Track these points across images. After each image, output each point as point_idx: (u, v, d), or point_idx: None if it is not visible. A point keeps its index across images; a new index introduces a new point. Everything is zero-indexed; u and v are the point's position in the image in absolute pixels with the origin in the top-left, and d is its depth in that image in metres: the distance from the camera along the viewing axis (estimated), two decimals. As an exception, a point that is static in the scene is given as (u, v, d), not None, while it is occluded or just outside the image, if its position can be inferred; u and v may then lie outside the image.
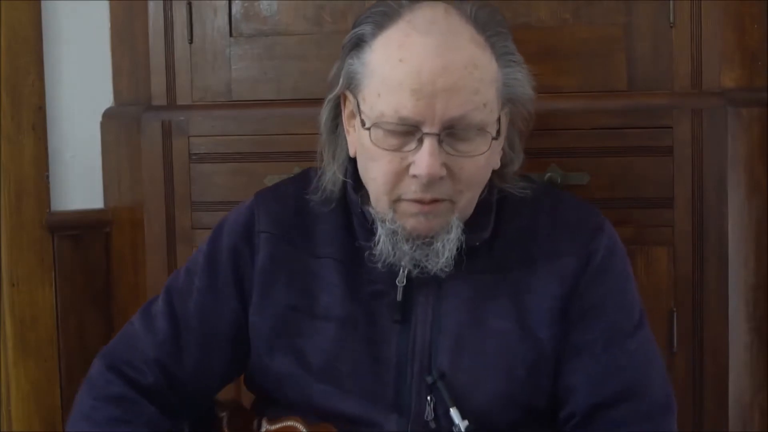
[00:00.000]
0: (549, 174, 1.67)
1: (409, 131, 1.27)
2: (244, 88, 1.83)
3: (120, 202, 2.00)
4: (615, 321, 1.35)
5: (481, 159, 1.30)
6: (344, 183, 1.40)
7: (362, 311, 1.36)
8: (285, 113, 1.79)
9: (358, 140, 1.34)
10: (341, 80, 1.35)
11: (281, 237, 1.41)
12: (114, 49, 2.00)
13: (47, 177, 1.96)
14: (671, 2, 1.67)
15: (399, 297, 1.34)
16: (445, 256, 1.30)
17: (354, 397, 1.34)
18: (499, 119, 1.31)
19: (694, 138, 1.65)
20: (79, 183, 2.01)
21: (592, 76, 1.70)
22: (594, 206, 1.44)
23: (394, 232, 1.31)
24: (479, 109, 1.27)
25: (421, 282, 1.34)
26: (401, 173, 1.29)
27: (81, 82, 2.00)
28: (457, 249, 1.31)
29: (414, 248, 1.31)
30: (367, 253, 1.34)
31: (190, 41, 1.85)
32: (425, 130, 1.26)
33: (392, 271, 1.34)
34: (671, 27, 1.67)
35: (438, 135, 1.26)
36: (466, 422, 1.29)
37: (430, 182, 1.27)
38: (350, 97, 1.34)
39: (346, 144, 1.39)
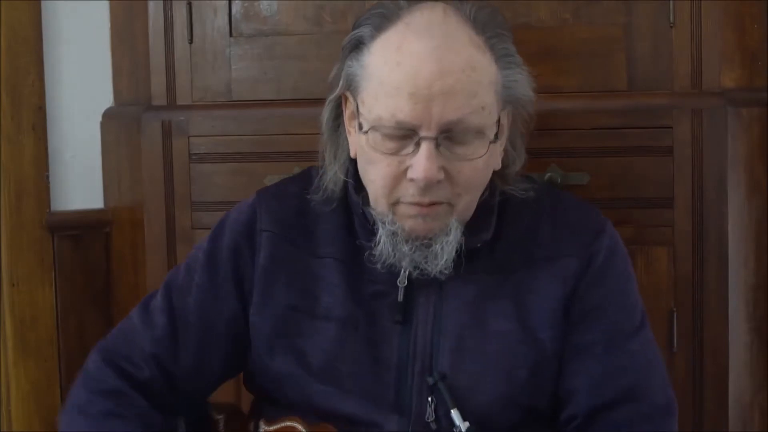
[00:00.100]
0: (549, 174, 1.67)
1: (406, 135, 1.26)
2: (244, 88, 1.83)
3: (120, 202, 2.00)
4: (616, 322, 1.35)
5: (480, 162, 1.29)
6: (345, 183, 1.39)
7: (363, 312, 1.35)
8: (285, 113, 1.79)
9: (357, 142, 1.34)
10: (341, 81, 1.34)
11: (283, 236, 1.40)
12: (114, 49, 2.00)
13: (47, 177, 1.96)
14: (671, 2, 1.67)
15: (400, 298, 1.34)
16: (444, 258, 1.30)
17: (354, 398, 1.33)
18: (498, 121, 1.30)
19: (694, 138, 1.66)
20: (79, 183, 2.01)
21: (592, 76, 1.70)
22: (595, 207, 1.44)
23: (394, 233, 1.31)
24: (477, 113, 1.26)
25: (422, 283, 1.34)
26: (399, 177, 1.28)
27: (81, 82, 2.00)
28: (457, 251, 1.30)
29: (413, 249, 1.30)
30: (367, 253, 1.34)
31: (190, 41, 1.85)
32: (422, 133, 1.25)
33: (393, 271, 1.34)
34: (671, 27, 1.67)
35: (435, 139, 1.25)
36: (467, 423, 1.29)
37: (428, 186, 1.26)
38: (350, 98, 1.34)
39: (348, 144, 1.38)
